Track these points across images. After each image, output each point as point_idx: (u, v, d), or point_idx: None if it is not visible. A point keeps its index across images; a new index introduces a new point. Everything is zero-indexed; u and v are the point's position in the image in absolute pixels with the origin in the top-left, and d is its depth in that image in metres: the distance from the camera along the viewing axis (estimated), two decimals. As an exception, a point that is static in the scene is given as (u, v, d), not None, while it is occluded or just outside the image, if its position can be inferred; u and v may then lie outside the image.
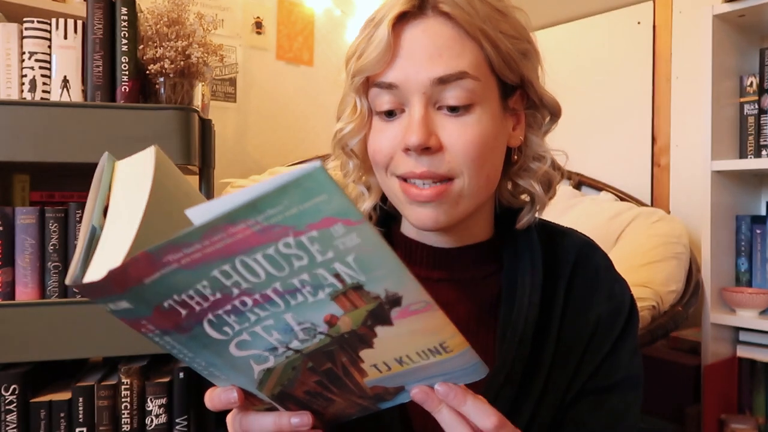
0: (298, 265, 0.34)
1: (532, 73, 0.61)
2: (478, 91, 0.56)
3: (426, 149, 0.55)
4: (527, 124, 0.63)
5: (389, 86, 0.57)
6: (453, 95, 0.55)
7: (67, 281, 0.38)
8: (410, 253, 0.66)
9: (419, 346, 0.42)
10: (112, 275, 0.33)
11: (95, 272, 0.37)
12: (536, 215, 0.65)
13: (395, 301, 0.38)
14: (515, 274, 0.63)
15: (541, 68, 0.62)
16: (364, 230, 0.33)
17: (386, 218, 0.69)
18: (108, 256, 0.38)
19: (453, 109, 0.56)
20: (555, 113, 0.64)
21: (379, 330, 0.40)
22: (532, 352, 0.60)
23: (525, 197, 0.66)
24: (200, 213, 0.32)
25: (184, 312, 0.37)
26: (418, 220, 0.58)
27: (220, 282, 0.35)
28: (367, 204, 0.67)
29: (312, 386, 0.46)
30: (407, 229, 0.67)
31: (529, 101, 0.63)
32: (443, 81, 0.55)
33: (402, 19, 0.56)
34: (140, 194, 0.40)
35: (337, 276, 0.35)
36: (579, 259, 0.65)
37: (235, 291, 0.36)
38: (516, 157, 0.64)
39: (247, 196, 0.30)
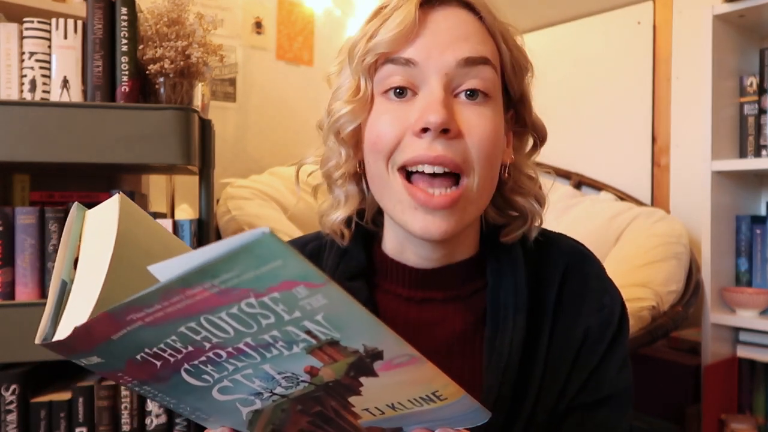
0: (265, 323, 0.33)
1: (530, 93, 0.61)
2: (496, 84, 0.56)
3: (445, 131, 0.52)
4: (513, 147, 0.62)
5: (407, 62, 0.54)
6: (474, 80, 0.54)
7: (37, 340, 0.38)
8: (393, 274, 0.62)
9: (410, 395, 0.41)
10: (77, 333, 0.33)
11: (64, 330, 0.37)
12: (535, 227, 0.62)
13: (376, 355, 0.36)
14: (498, 295, 0.60)
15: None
16: (328, 291, 0.31)
17: (364, 236, 0.64)
18: (76, 313, 0.38)
19: (472, 94, 0.54)
20: (542, 139, 0.63)
21: (364, 380, 0.39)
22: (521, 374, 0.58)
23: (512, 213, 0.64)
24: (163, 269, 0.31)
25: (158, 363, 0.37)
26: (425, 228, 0.53)
27: (189, 337, 0.34)
28: (340, 214, 0.61)
29: (305, 426, 0.44)
30: (388, 248, 0.63)
31: (519, 122, 0.62)
32: (469, 62, 0.53)
33: (424, 5, 0.55)
34: (107, 245, 0.39)
35: (309, 333, 0.34)
36: (568, 269, 0.62)
37: (207, 345, 0.35)
38: (507, 175, 0.61)
39: (199, 260, 0.29)
